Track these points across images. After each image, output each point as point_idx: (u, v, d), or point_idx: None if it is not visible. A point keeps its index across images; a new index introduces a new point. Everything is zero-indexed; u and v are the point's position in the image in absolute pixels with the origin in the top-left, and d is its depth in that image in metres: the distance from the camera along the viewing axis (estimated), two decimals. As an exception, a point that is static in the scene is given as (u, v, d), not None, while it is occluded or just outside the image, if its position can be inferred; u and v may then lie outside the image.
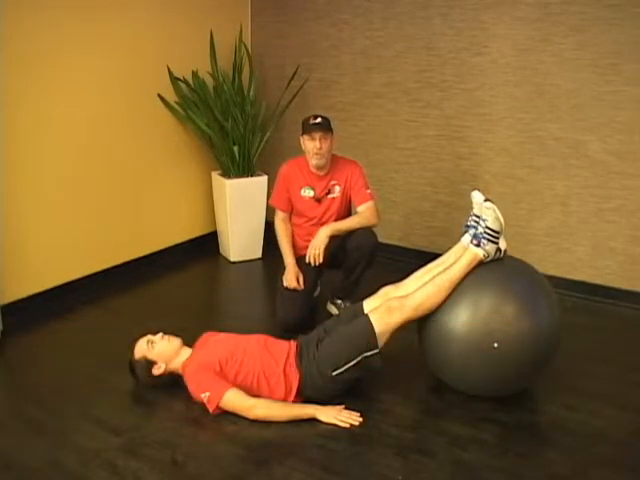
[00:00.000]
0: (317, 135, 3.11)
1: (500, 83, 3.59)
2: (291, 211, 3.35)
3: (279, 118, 4.19)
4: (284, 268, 3.26)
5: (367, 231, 3.14)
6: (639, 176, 3.31)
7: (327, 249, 3.06)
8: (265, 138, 4.17)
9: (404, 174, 4.04)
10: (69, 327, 3.24)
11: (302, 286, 3.16)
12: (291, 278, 3.16)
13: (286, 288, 3.17)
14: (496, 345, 2.32)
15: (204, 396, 2.40)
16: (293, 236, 3.37)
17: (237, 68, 4.10)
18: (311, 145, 3.14)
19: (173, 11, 3.86)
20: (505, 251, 2.51)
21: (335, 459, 2.21)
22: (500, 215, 2.44)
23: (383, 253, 3.34)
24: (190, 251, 4.24)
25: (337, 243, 3.11)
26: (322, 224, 3.23)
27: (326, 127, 3.14)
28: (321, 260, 3.06)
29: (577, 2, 3.27)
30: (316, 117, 3.15)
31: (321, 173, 3.24)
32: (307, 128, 3.14)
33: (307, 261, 3.09)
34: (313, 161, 3.19)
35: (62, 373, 2.78)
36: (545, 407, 2.56)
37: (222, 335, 2.67)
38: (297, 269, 3.20)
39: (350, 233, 3.12)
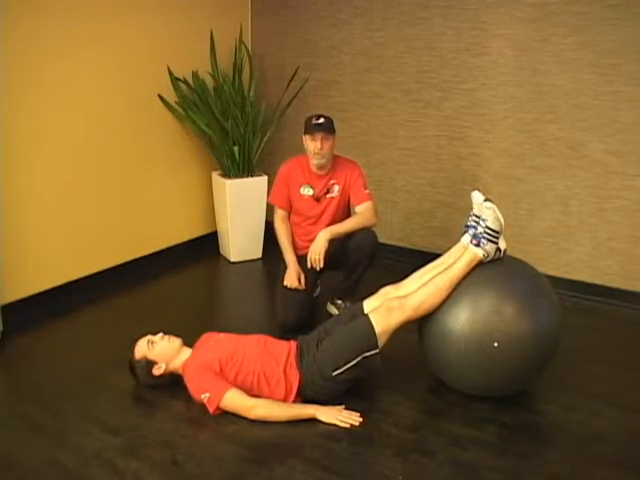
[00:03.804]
0: (319, 136, 3.10)
1: (500, 83, 3.59)
2: (290, 209, 3.35)
3: (279, 118, 4.19)
4: (284, 268, 3.25)
5: (368, 231, 3.14)
6: (639, 176, 3.31)
7: (327, 252, 3.05)
8: (265, 138, 4.17)
9: (404, 174, 4.04)
10: (69, 327, 3.24)
11: (303, 286, 3.16)
12: (293, 278, 3.16)
13: (286, 288, 3.17)
14: (496, 345, 2.32)
15: (204, 397, 2.40)
16: (292, 236, 3.37)
17: (237, 68, 4.11)
18: (312, 145, 3.13)
19: (173, 11, 3.86)
20: (505, 251, 2.51)
21: (335, 459, 2.21)
22: (500, 215, 2.44)
23: (383, 253, 3.34)
24: (190, 251, 4.24)
25: (337, 244, 3.10)
26: (320, 223, 3.24)
27: (328, 129, 3.12)
28: (322, 265, 3.04)
29: (577, 2, 3.27)
30: (319, 117, 3.13)
31: (321, 172, 3.24)
32: (309, 128, 3.13)
33: (309, 266, 3.08)
34: (314, 161, 3.19)
35: (62, 373, 2.78)
36: (545, 407, 2.56)
37: (222, 335, 2.66)
38: (298, 268, 3.19)
39: (351, 234, 3.12)
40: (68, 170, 3.42)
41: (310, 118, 3.16)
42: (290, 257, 3.25)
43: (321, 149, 3.12)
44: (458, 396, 2.56)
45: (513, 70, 3.53)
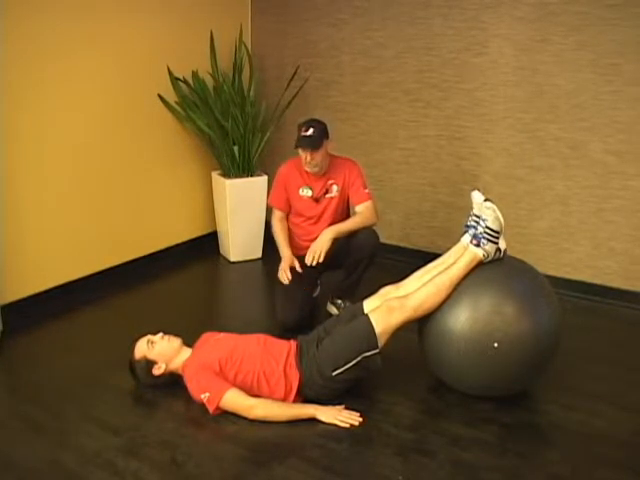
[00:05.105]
0: (307, 150, 3.09)
1: (500, 83, 3.59)
2: (289, 211, 3.34)
3: (279, 118, 4.19)
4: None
5: (369, 231, 3.14)
6: (639, 176, 3.31)
7: (329, 251, 3.04)
8: (265, 138, 4.17)
9: (404, 174, 4.04)
10: (69, 327, 3.24)
11: (289, 279, 3.12)
12: (285, 269, 3.14)
13: (286, 287, 3.16)
14: (496, 345, 2.32)
15: (204, 396, 2.40)
16: (292, 236, 3.38)
17: (237, 68, 4.11)
18: (303, 156, 3.13)
19: (173, 11, 3.86)
20: (505, 251, 2.51)
21: (335, 459, 2.21)
22: (500, 215, 2.44)
23: (383, 253, 3.34)
24: (190, 251, 4.24)
25: (339, 243, 3.10)
26: (321, 223, 3.24)
27: (314, 144, 3.06)
28: (321, 260, 3.03)
29: (577, 2, 3.27)
30: (308, 127, 3.07)
31: (319, 173, 3.24)
32: (297, 141, 3.10)
33: (308, 260, 3.06)
34: (307, 169, 3.19)
35: (62, 373, 2.78)
36: (545, 407, 2.56)
37: (222, 335, 2.67)
38: (292, 260, 3.18)
39: (352, 233, 3.12)
40: (68, 170, 3.42)
41: (300, 127, 3.11)
42: (285, 251, 3.23)
43: (312, 159, 3.11)
44: (458, 396, 2.56)
45: (513, 70, 3.53)
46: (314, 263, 3.05)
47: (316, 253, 3.03)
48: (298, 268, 3.15)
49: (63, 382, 2.71)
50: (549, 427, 2.44)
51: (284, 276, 3.15)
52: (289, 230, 3.38)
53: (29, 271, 3.30)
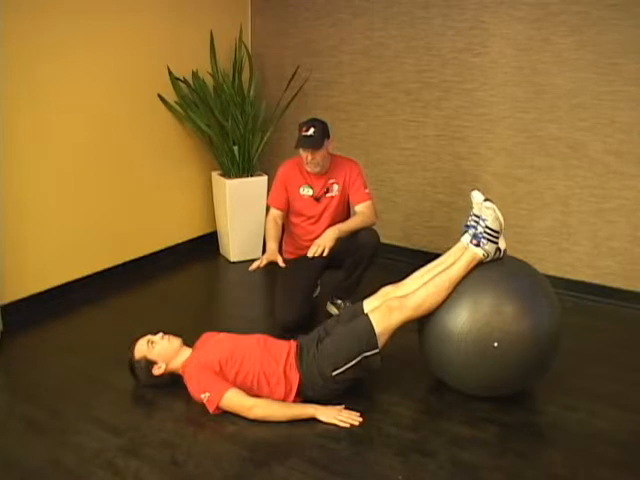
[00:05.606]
0: (308, 149, 3.09)
1: (500, 83, 3.59)
2: (287, 210, 3.32)
3: (279, 118, 4.19)
4: (282, 268, 3.25)
5: (370, 231, 3.15)
6: (639, 176, 3.31)
7: (332, 249, 3.01)
8: (265, 138, 4.17)
9: (404, 174, 4.04)
10: (69, 327, 3.24)
11: (254, 269, 2.99)
12: (262, 259, 3.00)
13: (286, 288, 3.16)
14: (496, 345, 2.32)
15: (204, 396, 2.40)
16: (292, 236, 3.38)
17: (237, 68, 4.11)
18: (303, 155, 3.14)
19: (173, 11, 3.86)
20: (505, 251, 2.51)
21: (335, 459, 2.21)
22: (500, 215, 2.44)
23: (383, 253, 3.34)
24: (190, 251, 4.24)
25: (340, 242, 3.09)
26: (321, 222, 3.24)
27: (315, 144, 3.07)
28: (325, 254, 2.98)
29: (577, 2, 3.27)
30: (309, 127, 3.08)
31: (320, 172, 3.24)
32: (298, 141, 3.10)
33: (309, 254, 3.01)
34: (308, 168, 3.20)
35: (62, 373, 2.78)
36: (545, 407, 2.56)
37: (222, 335, 2.66)
38: (275, 255, 3.04)
39: (353, 232, 3.12)
40: (68, 170, 3.42)
41: (301, 127, 3.11)
42: (270, 244, 3.12)
43: (313, 159, 3.12)
44: (458, 396, 2.56)
45: (513, 70, 3.53)
46: (317, 254, 2.98)
47: (320, 247, 2.98)
48: (281, 263, 3.02)
49: (63, 382, 2.71)
50: (549, 427, 2.44)
51: (255, 264, 2.99)
52: (289, 230, 3.38)
53: (29, 271, 3.30)
